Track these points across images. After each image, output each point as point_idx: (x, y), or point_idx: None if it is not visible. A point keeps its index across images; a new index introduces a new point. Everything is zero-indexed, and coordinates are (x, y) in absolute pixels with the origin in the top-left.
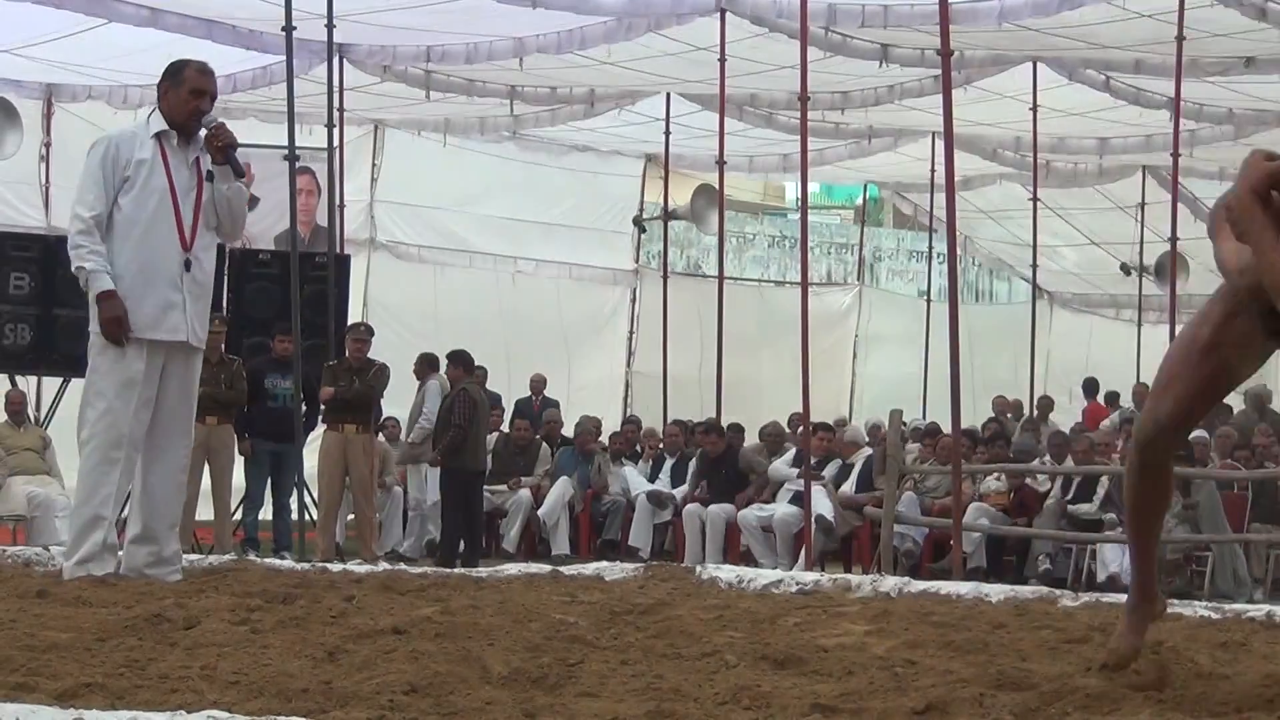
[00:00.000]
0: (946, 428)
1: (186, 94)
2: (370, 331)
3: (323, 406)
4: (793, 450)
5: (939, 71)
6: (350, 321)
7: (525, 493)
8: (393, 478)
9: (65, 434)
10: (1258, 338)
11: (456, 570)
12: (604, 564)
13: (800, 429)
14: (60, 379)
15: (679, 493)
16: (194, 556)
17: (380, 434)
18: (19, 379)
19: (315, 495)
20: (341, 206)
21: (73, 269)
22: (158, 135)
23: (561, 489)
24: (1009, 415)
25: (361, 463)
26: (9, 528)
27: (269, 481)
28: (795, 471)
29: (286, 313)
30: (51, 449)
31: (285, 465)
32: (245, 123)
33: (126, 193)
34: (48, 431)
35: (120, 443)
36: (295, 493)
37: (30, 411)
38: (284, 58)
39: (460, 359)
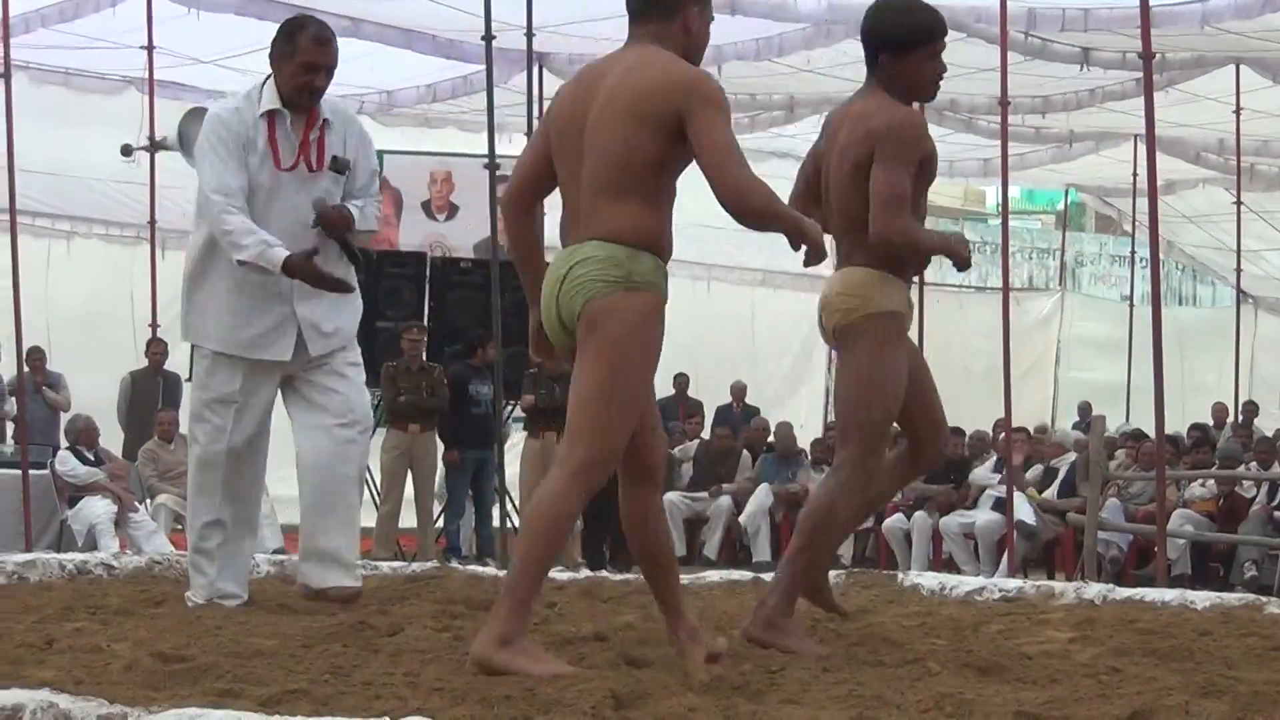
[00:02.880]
0: (1151, 433)
1: (298, 68)
2: None
3: (523, 413)
4: (994, 456)
5: (1140, 74)
6: None
7: (726, 499)
8: None
9: (270, 441)
10: None
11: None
12: None
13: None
14: None
15: None
16: (396, 564)
17: None
18: None
19: (517, 502)
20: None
21: (247, 255)
22: (267, 114)
23: (763, 496)
24: (1213, 423)
25: None
26: None
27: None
28: (997, 478)
29: (487, 321)
30: None
31: (488, 472)
32: (445, 131)
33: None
34: None
35: (216, 464)
36: (497, 499)
37: None
38: (484, 67)
39: None
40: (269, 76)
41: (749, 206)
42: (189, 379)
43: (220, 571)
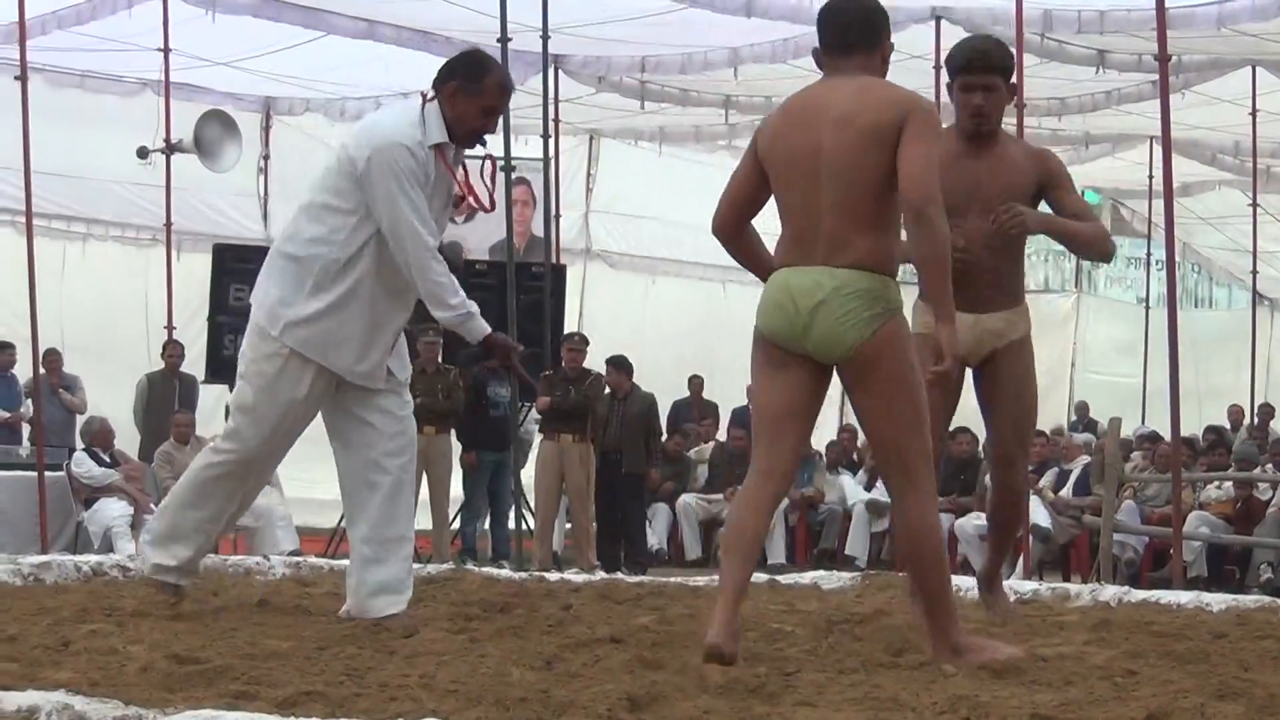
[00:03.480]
0: (1167, 435)
1: (479, 111)
2: (585, 341)
3: (539, 416)
4: None
5: (1156, 76)
6: (566, 331)
7: None
8: None
9: None
10: None
11: (673, 579)
12: (821, 573)
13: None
14: None
15: None
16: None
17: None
18: None
19: (532, 504)
20: (557, 217)
21: (447, 317)
22: (435, 147)
23: None
24: (1229, 425)
25: (578, 472)
26: (230, 537)
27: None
28: None
29: (503, 323)
30: None
31: (505, 474)
32: None
33: None
34: None
35: (253, 464)
36: (513, 501)
37: None
38: None
39: (623, 365)
40: (427, 101)
41: (924, 215)
42: (205, 380)
43: (196, 552)
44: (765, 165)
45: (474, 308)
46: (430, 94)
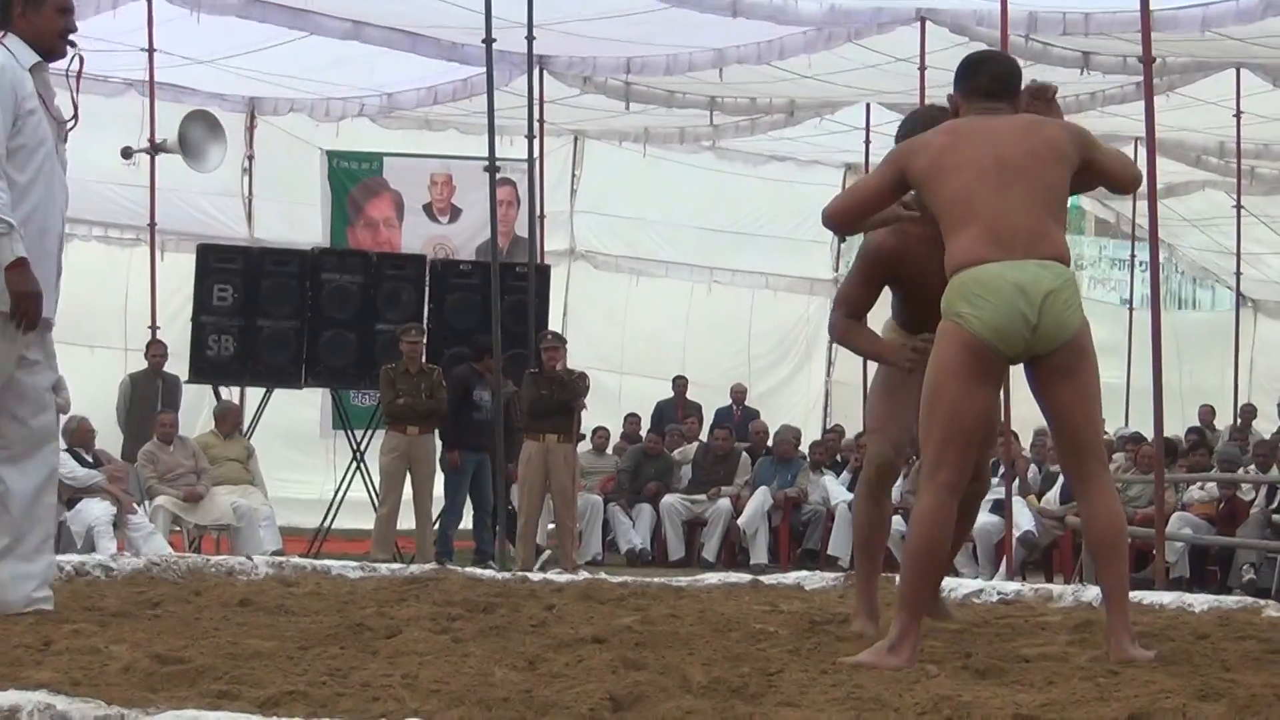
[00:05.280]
0: (1150, 436)
1: (53, 12)
2: (559, 339)
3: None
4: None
5: (1141, 78)
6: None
7: (725, 502)
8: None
9: (268, 444)
10: None
11: (657, 580)
12: (804, 573)
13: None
14: (263, 389)
15: None
16: (395, 566)
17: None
18: (223, 390)
19: (515, 505)
20: (542, 217)
21: None
22: (33, 69)
23: (761, 498)
24: (1209, 426)
25: (562, 472)
26: (213, 537)
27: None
28: (995, 479)
29: (487, 323)
30: (255, 459)
31: (486, 475)
32: (446, 134)
33: (16, 139)
34: (251, 442)
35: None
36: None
37: None
38: (485, 69)
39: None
40: (3, 40)
41: (1138, 182)
42: (188, 380)
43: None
44: (930, 176)
45: (14, 233)
46: (1, 33)
